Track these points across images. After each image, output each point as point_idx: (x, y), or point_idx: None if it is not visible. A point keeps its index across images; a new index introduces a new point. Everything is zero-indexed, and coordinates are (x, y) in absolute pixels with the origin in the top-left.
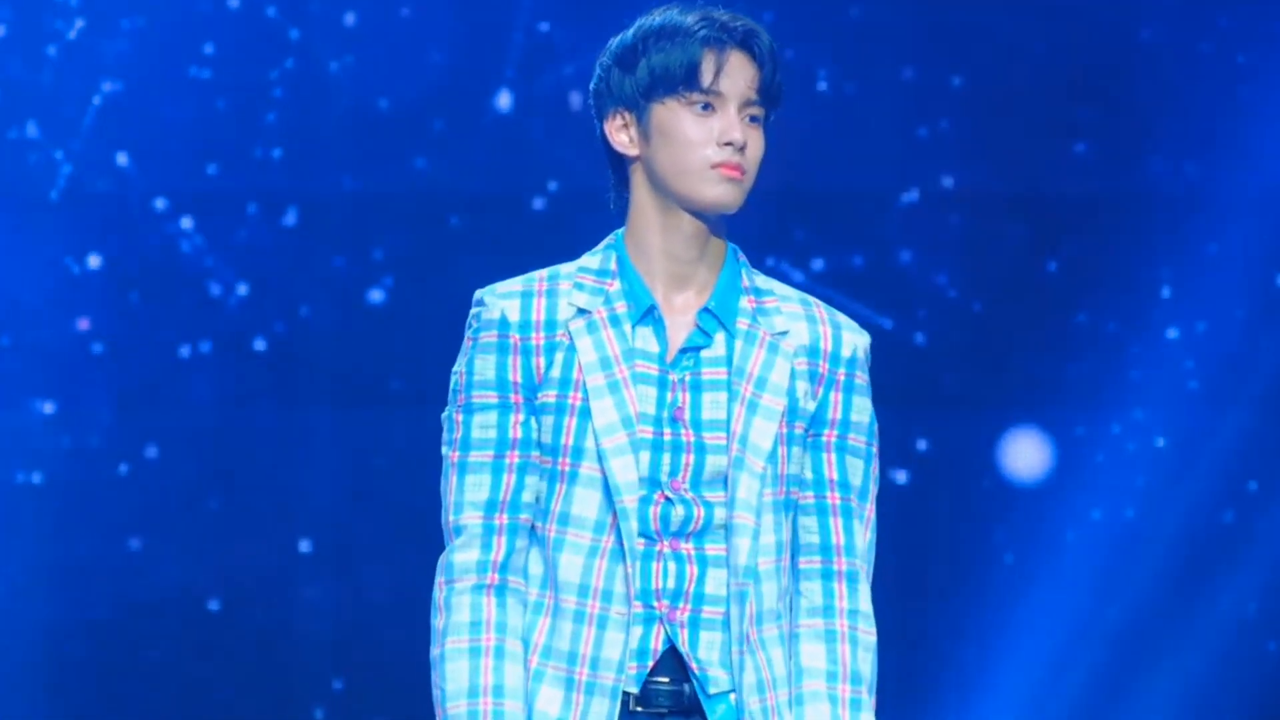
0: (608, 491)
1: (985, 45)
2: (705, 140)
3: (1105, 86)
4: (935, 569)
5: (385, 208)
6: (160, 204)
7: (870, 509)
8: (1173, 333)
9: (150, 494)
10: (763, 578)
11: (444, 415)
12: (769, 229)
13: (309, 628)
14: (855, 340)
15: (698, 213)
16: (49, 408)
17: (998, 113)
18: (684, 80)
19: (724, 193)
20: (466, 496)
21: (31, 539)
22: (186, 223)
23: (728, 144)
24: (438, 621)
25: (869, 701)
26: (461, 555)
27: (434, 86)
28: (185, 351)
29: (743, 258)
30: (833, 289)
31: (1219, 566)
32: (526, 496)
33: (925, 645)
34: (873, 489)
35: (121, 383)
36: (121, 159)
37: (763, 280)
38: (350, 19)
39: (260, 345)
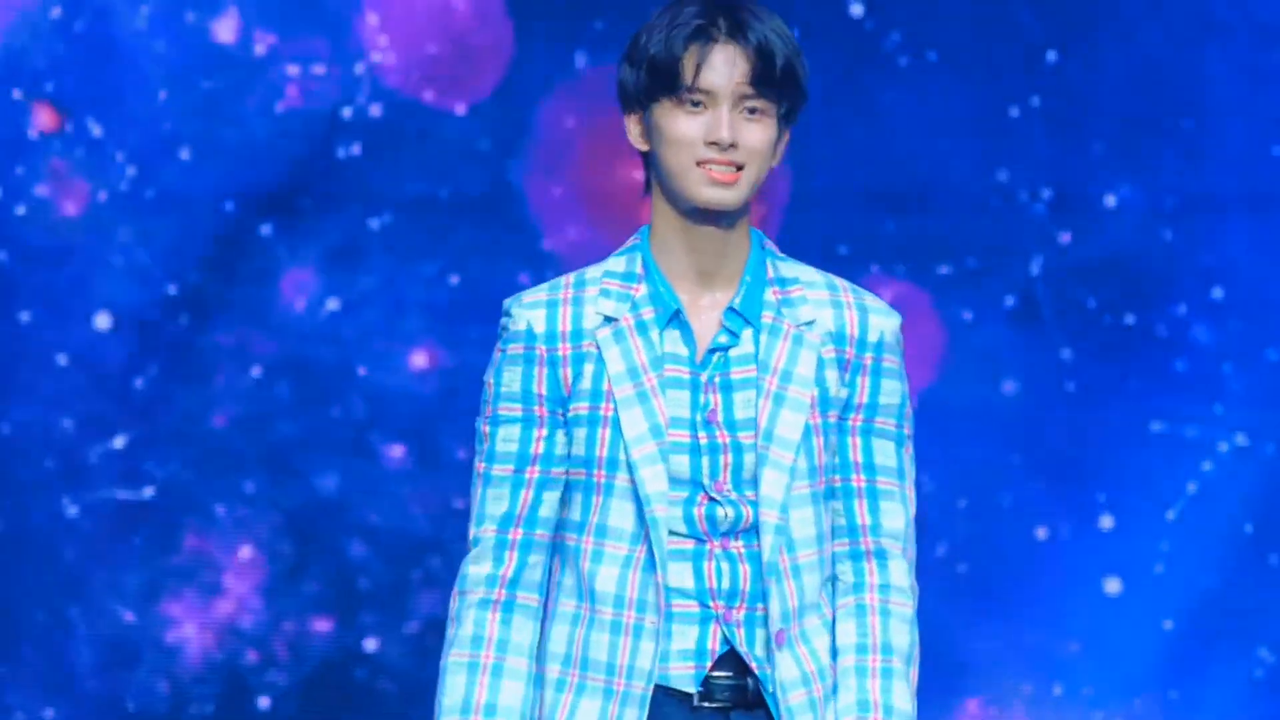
0: (639, 502)
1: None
2: (693, 139)
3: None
4: None
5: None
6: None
7: (908, 489)
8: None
9: None
10: (804, 570)
11: (476, 424)
12: (851, 225)
13: None
14: (883, 323)
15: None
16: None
17: (1096, 90)
18: (669, 79)
19: (714, 193)
20: (486, 509)
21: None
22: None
23: (713, 143)
24: (449, 631)
25: (902, 670)
26: (474, 568)
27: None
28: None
29: (769, 244)
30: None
31: None
32: (544, 512)
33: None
34: (908, 468)
35: None
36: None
37: (789, 268)
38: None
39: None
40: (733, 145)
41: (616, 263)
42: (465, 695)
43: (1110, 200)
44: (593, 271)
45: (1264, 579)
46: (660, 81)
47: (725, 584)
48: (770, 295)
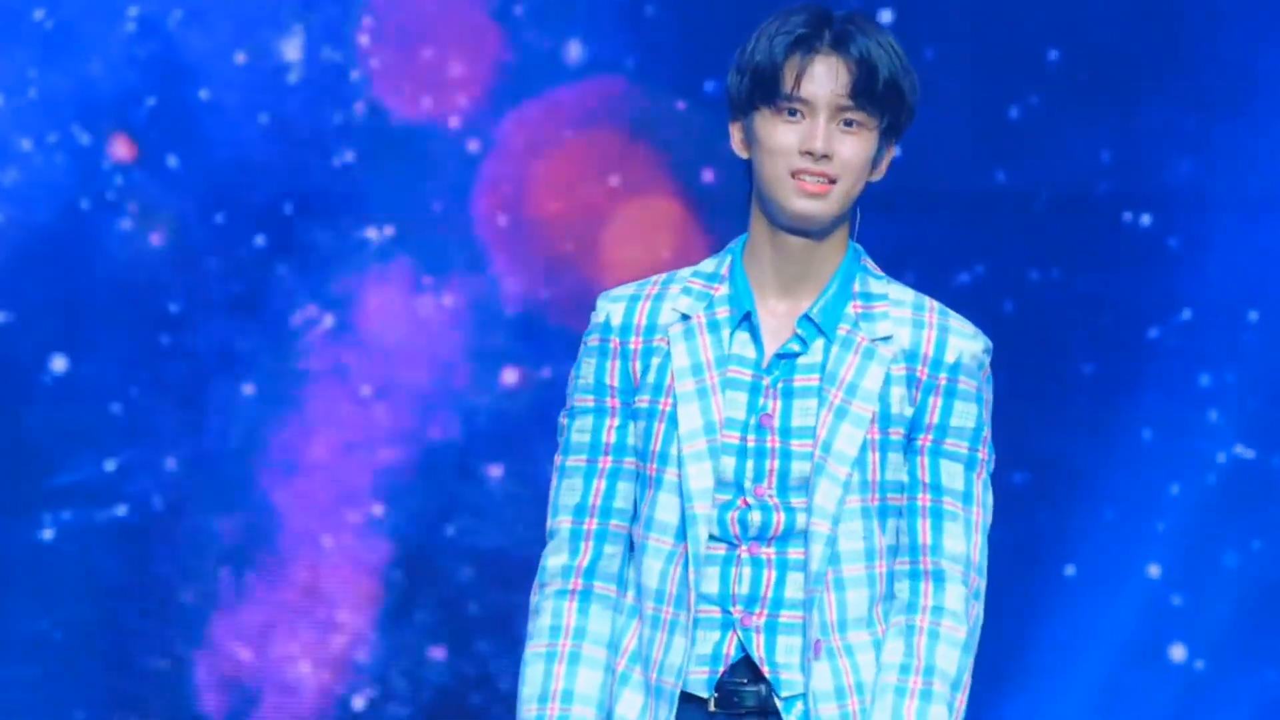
0: (684, 497)
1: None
2: (788, 148)
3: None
4: None
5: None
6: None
7: (975, 513)
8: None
9: None
10: (847, 584)
11: (558, 418)
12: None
13: None
14: (963, 345)
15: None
16: None
17: (1098, 88)
18: (769, 87)
19: (805, 204)
20: (561, 500)
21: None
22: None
23: (807, 153)
24: (530, 625)
25: (944, 694)
26: (552, 560)
27: None
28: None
29: (866, 260)
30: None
31: None
32: (619, 503)
33: None
34: (979, 493)
35: None
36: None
37: (880, 284)
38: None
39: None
40: (826, 157)
41: (708, 264)
42: (542, 684)
43: (1113, 203)
44: (684, 271)
45: (1273, 597)
46: (760, 89)
47: (745, 589)
48: (851, 309)
